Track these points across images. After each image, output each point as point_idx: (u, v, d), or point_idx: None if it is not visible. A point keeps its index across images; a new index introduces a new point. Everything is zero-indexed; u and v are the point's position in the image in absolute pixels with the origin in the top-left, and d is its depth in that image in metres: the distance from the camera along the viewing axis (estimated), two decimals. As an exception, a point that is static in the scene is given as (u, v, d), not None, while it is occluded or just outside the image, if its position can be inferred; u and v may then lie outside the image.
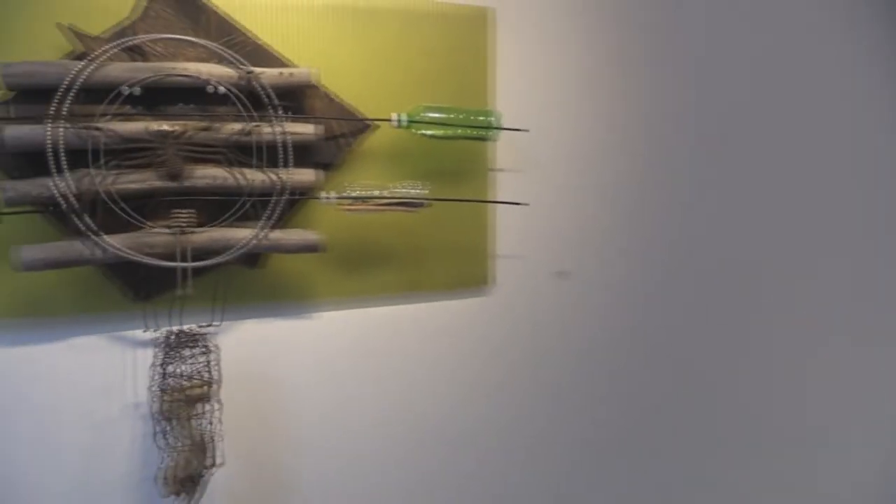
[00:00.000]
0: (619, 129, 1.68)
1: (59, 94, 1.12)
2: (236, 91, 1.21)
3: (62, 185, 1.13)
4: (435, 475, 1.56)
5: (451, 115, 1.36)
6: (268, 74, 1.24)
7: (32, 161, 1.16)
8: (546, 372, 1.65)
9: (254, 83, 1.22)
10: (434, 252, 1.47)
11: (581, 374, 1.70)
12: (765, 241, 1.94)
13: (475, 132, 1.39)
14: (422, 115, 1.34)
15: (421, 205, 1.34)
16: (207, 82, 1.19)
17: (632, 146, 1.70)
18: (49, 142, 1.12)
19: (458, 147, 1.45)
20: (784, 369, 2.03)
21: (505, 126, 1.42)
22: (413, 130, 1.34)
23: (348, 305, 1.44)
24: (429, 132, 1.34)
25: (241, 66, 1.22)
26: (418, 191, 1.34)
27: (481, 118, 1.39)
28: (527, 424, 1.65)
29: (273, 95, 1.23)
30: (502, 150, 1.52)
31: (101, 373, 1.31)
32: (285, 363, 1.41)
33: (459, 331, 1.54)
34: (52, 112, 1.12)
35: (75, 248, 1.16)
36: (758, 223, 1.92)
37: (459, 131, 1.37)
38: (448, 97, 1.43)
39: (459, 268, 1.49)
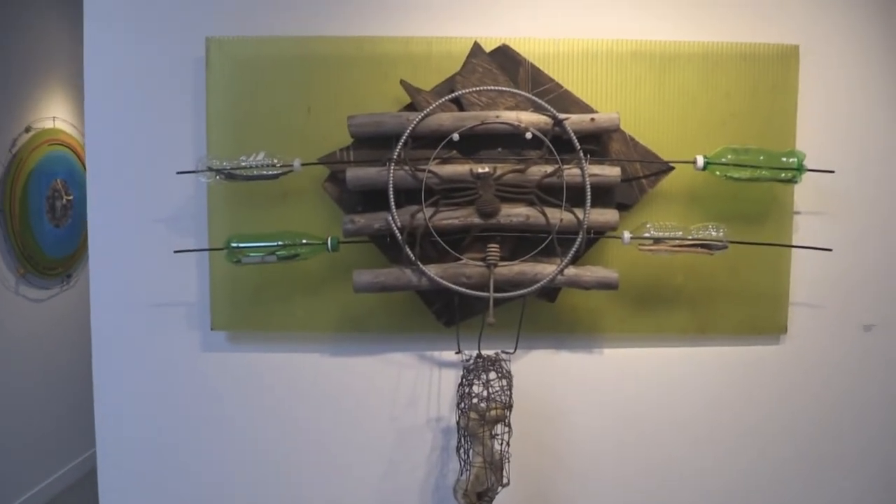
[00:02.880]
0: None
1: (402, 140, 1.29)
2: (544, 136, 1.29)
3: (399, 219, 1.29)
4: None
5: (756, 157, 1.33)
6: (575, 120, 1.31)
7: (366, 199, 1.34)
8: (838, 429, 1.51)
9: (565, 128, 1.29)
10: (727, 296, 1.43)
11: (878, 439, 1.53)
12: None
13: (779, 174, 1.34)
14: (727, 157, 1.32)
15: (720, 247, 1.32)
16: (523, 129, 1.29)
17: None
18: (391, 182, 1.29)
19: (756, 189, 1.40)
20: None
21: (809, 167, 1.35)
22: (717, 173, 1.33)
23: (637, 344, 1.46)
24: (734, 174, 1.32)
25: (551, 113, 1.30)
26: (718, 233, 1.32)
27: (786, 159, 1.34)
28: (807, 482, 1.52)
29: (575, 140, 1.29)
30: (803, 192, 1.44)
31: (409, 386, 1.46)
32: (572, 394, 1.46)
33: (749, 378, 1.48)
34: (394, 156, 1.29)
35: (402, 275, 1.31)
36: None
37: (764, 173, 1.33)
38: (750, 138, 1.40)
39: (753, 314, 1.44)
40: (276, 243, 1.33)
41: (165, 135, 1.43)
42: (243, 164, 1.34)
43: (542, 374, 1.46)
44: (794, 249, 1.43)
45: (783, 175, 1.34)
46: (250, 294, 1.42)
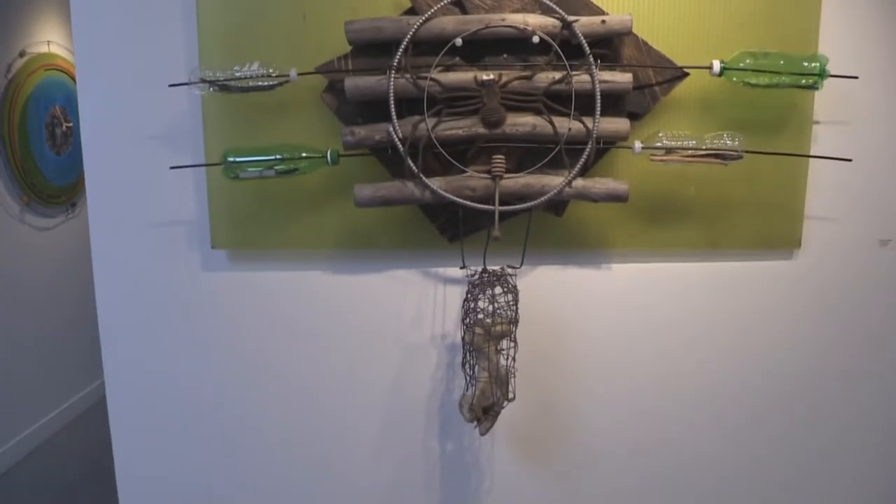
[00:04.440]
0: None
1: (403, 46, 1.22)
2: (552, 40, 1.22)
3: (401, 130, 1.24)
4: (715, 439, 1.51)
5: (776, 62, 1.26)
6: (584, 22, 1.23)
7: (366, 110, 1.29)
8: (852, 349, 1.49)
9: (574, 31, 1.22)
10: (740, 209, 1.39)
11: (893, 353, 1.51)
12: None
13: (800, 79, 1.27)
14: (745, 62, 1.25)
15: (735, 157, 1.27)
16: (531, 32, 1.22)
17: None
18: (392, 91, 1.23)
19: (774, 96, 1.34)
20: None
21: (832, 73, 1.28)
22: (734, 79, 1.26)
23: (646, 259, 1.43)
24: (752, 80, 1.26)
25: (559, 15, 1.23)
26: (734, 142, 1.26)
27: (807, 64, 1.27)
28: (818, 403, 1.51)
29: (585, 43, 1.22)
30: (824, 100, 1.37)
31: (414, 303, 1.44)
32: (578, 310, 1.45)
33: (759, 295, 1.45)
34: (395, 63, 1.23)
35: (404, 188, 1.27)
36: None
37: (784, 79, 1.26)
38: (769, 42, 1.32)
39: (766, 227, 1.40)
40: (274, 157, 1.29)
41: (156, 47, 1.37)
42: (237, 74, 1.28)
43: (549, 289, 1.43)
44: (811, 160, 1.38)
45: (804, 81, 1.27)
46: (250, 211, 1.39)
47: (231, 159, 1.30)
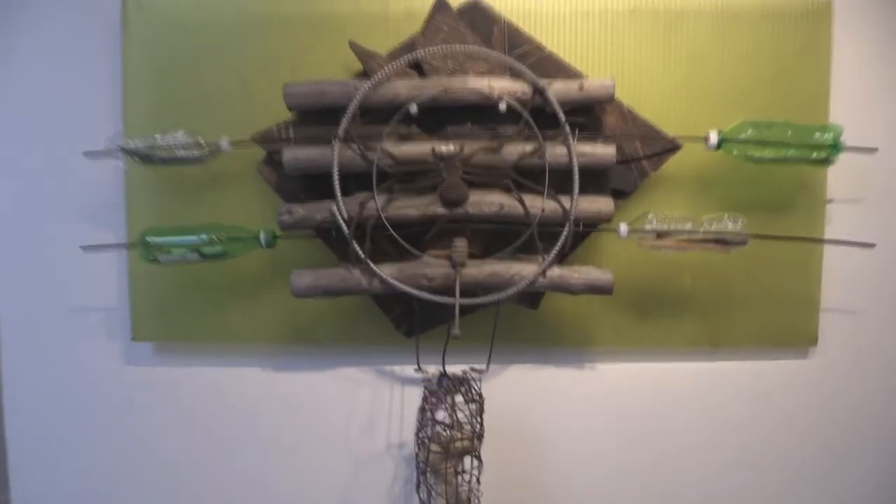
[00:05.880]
0: None
1: (349, 112, 1.06)
2: (521, 107, 1.06)
3: (346, 209, 1.06)
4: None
5: (783, 133, 1.09)
6: (559, 87, 1.07)
7: (310, 186, 1.12)
8: (880, 461, 1.27)
9: (547, 97, 1.06)
10: (745, 301, 1.19)
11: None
12: None
13: (810, 153, 1.09)
14: (746, 132, 1.08)
15: (739, 242, 1.08)
16: (496, 98, 1.05)
17: None
18: (336, 164, 1.06)
19: (781, 172, 1.17)
20: None
21: (847, 145, 1.10)
22: (734, 152, 1.09)
23: (636, 358, 1.22)
24: (755, 154, 1.08)
25: (530, 78, 1.06)
26: (737, 225, 1.08)
27: (819, 135, 1.10)
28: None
29: (560, 110, 1.06)
30: (838, 175, 1.20)
31: (366, 406, 1.23)
32: (558, 418, 1.23)
33: (770, 399, 1.24)
34: (339, 133, 1.06)
35: (349, 277, 1.08)
36: None
37: (792, 152, 1.09)
38: (773, 110, 1.15)
39: (776, 322, 1.20)
40: (199, 238, 1.11)
41: (77, 112, 1.22)
42: (160, 143, 1.12)
43: (522, 394, 1.23)
44: (827, 245, 1.19)
45: (814, 154, 1.09)
46: (178, 298, 1.20)
47: (149, 240, 1.11)
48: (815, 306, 1.20)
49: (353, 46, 1.13)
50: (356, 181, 1.09)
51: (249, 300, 1.20)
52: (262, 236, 1.11)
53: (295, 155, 1.09)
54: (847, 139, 1.10)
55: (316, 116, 1.12)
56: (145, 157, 1.12)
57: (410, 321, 1.17)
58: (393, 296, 1.11)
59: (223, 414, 1.24)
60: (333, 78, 1.14)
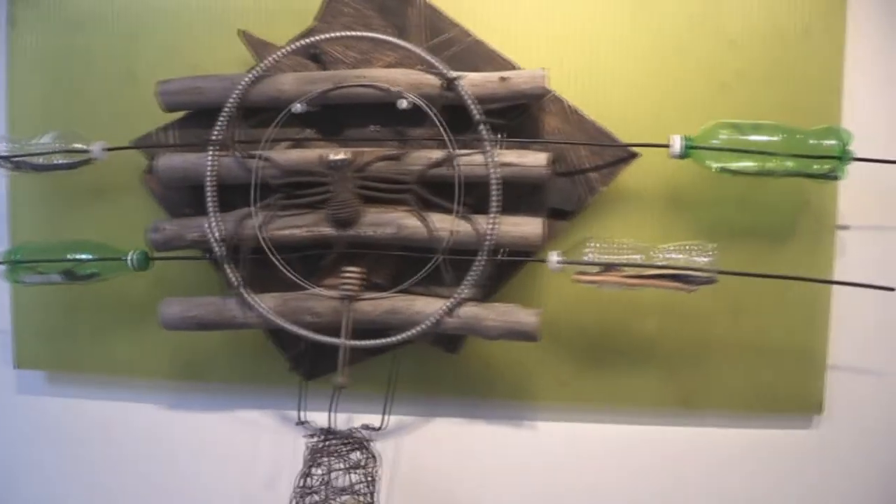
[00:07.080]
0: None
1: (225, 112, 0.89)
2: (427, 104, 0.85)
3: (220, 228, 0.89)
4: None
5: (771, 138, 0.84)
6: (475, 80, 0.86)
7: (196, 198, 0.94)
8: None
9: (459, 92, 0.85)
10: (726, 353, 0.93)
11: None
12: None
13: (810, 165, 0.83)
14: (720, 138, 0.84)
15: (704, 281, 0.83)
16: (396, 93, 0.85)
17: None
18: (209, 172, 0.89)
19: (777, 190, 0.90)
20: None
21: (857, 156, 0.83)
22: (706, 162, 0.84)
23: (587, 417, 0.97)
24: (731, 165, 0.84)
25: (438, 71, 0.86)
26: (703, 257, 0.83)
27: (820, 142, 0.83)
28: None
29: (479, 110, 0.84)
30: (852, 194, 0.93)
31: (269, 455, 1.06)
32: (481, 487, 1.00)
33: (763, 477, 0.97)
34: (214, 135, 0.89)
35: (224, 308, 0.91)
36: None
37: (786, 163, 0.83)
38: (767, 110, 0.90)
39: (768, 382, 0.93)
40: (63, 258, 0.96)
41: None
42: (29, 148, 0.98)
43: (435, 454, 1.00)
44: (835, 287, 0.92)
45: (815, 167, 0.84)
46: (63, 324, 1.07)
47: (14, 259, 0.98)
48: (821, 363, 0.93)
49: (245, 36, 0.96)
50: (243, 195, 0.91)
51: (137, 329, 1.04)
52: (132, 256, 0.95)
53: (170, 162, 0.93)
54: (863, 148, 0.83)
55: (200, 118, 0.95)
56: (17, 165, 0.99)
57: (309, 363, 0.98)
58: (291, 334, 0.92)
59: (107, 454, 1.09)
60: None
